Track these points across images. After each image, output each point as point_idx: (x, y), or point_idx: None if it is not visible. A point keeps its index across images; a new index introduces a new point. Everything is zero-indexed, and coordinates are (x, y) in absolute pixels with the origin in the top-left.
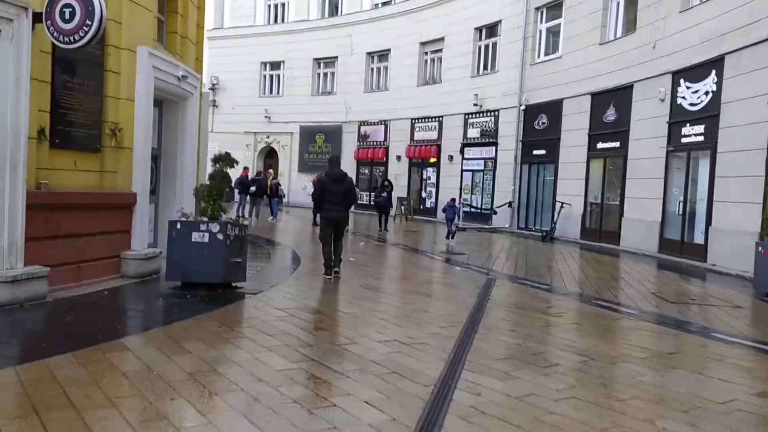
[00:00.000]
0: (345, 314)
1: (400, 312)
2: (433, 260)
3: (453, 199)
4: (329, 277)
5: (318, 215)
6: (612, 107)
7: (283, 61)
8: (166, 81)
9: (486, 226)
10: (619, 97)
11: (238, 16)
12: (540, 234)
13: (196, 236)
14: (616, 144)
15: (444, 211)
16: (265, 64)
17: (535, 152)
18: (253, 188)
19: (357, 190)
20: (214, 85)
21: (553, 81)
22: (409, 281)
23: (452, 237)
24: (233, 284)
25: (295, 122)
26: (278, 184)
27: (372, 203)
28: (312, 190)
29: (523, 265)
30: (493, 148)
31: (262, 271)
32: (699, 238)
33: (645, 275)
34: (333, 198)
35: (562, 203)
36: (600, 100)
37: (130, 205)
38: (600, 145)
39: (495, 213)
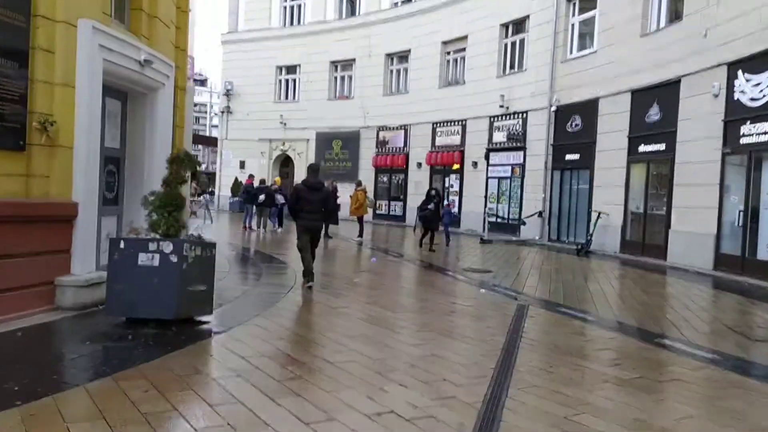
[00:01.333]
0: (329, 365)
1: (405, 360)
2: (454, 280)
3: (448, 204)
4: (311, 283)
5: (329, 227)
6: (656, 106)
7: (299, 65)
8: (124, 66)
9: (514, 238)
10: (664, 94)
11: (253, 18)
12: (575, 247)
13: (143, 258)
14: (661, 146)
15: (444, 216)
16: (280, 68)
17: (567, 157)
18: (262, 197)
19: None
20: (228, 90)
21: (587, 79)
22: (422, 311)
23: (447, 241)
24: (197, 318)
25: (312, 128)
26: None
27: (418, 216)
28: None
29: (559, 286)
30: (521, 153)
31: (245, 297)
32: (765, 254)
33: (707, 300)
34: (309, 206)
35: (599, 213)
36: (641, 98)
37: (68, 217)
38: (642, 148)
39: (524, 224)
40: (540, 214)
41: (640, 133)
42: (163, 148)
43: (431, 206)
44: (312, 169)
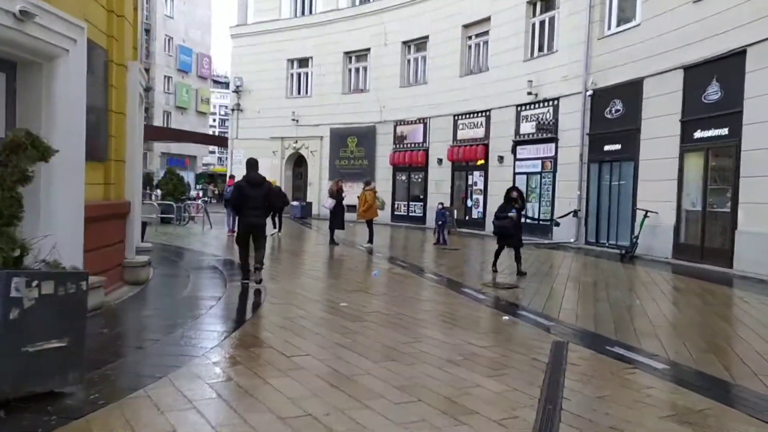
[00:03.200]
0: None
1: None
2: (470, 302)
3: (442, 203)
4: (247, 281)
5: (334, 232)
6: (715, 83)
7: (311, 57)
8: None
9: (545, 241)
10: (726, 68)
11: (263, 9)
12: (617, 252)
13: None
14: (724, 131)
15: (438, 216)
16: (291, 61)
17: (606, 148)
18: None
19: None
20: (237, 87)
21: (629, 56)
22: (414, 358)
23: (444, 243)
24: (56, 390)
25: (325, 125)
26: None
27: (495, 228)
28: (328, 202)
29: (605, 307)
30: (553, 145)
31: (166, 339)
32: None
33: None
34: (251, 203)
35: (646, 211)
36: (696, 74)
37: None
38: (699, 134)
39: (557, 224)
40: (575, 213)
41: (697, 116)
42: (68, 137)
43: (512, 213)
44: (250, 164)
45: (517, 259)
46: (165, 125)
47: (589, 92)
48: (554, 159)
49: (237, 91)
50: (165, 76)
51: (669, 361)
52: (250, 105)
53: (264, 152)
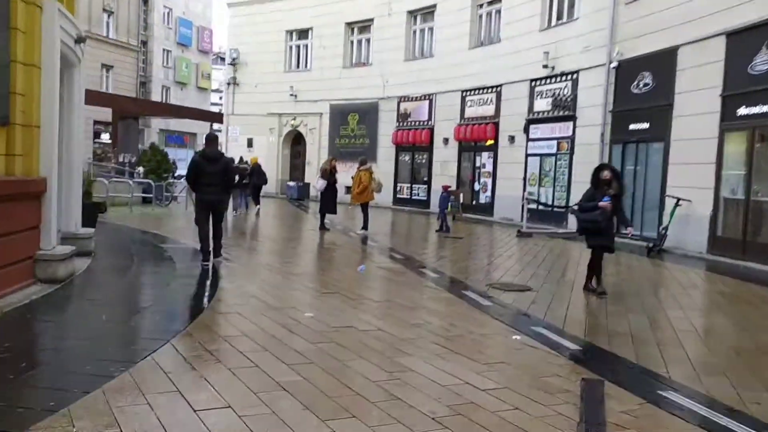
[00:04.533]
0: None
1: None
2: (474, 311)
3: (446, 187)
4: (206, 263)
5: (325, 216)
6: (764, 51)
7: (311, 29)
8: None
9: (560, 231)
10: None
11: None
12: (643, 244)
13: None
14: None
15: (441, 202)
16: (290, 33)
17: (632, 126)
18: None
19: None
20: (234, 59)
21: (660, 22)
22: (392, 414)
23: (447, 230)
24: None
25: (325, 100)
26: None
27: (579, 224)
28: (319, 183)
29: (643, 322)
30: (570, 123)
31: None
32: None
33: None
34: (208, 179)
35: (678, 199)
36: (741, 42)
37: None
38: (743, 111)
39: (573, 212)
40: None
41: (740, 90)
42: None
43: (605, 201)
44: (209, 139)
45: (597, 267)
46: (164, 101)
47: (614, 64)
48: (571, 139)
49: (233, 63)
50: (164, 50)
51: (757, 424)
52: (247, 79)
53: (261, 129)
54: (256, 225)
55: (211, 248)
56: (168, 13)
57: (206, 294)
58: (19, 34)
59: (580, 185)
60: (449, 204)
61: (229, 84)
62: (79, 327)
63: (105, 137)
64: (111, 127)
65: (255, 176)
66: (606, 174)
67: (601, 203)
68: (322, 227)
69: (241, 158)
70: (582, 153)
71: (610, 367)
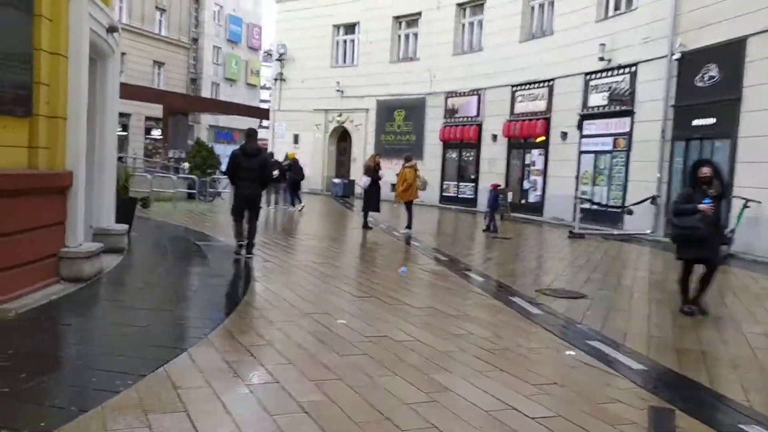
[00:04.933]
0: None
1: None
2: (522, 320)
3: (495, 186)
4: (239, 256)
5: (368, 215)
6: None
7: (358, 23)
8: None
9: (616, 232)
10: None
11: None
12: None
13: None
14: None
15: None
16: (338, 27)
17: (696, 122)
18: (275, 173)
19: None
20: (281, 55)
21: (726, 11)
22: None
23: (495, 230)
24: None
25: (372, 96)
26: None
27: (674, 231)
28: (363, 180)
29: (713, 337)
30: (628, 119)
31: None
32: None
33: None
34: (245, 174)
35: (746, 200)
36: None
37: None
38: None
39: (629, 213)
40: (653, 199)
41: None
42: None
43: (706, 203)
44: (248, 135)
45: (706, 282)
46: (213, 97)
47: (676, 56)
48: (629, 135)
49: (280, 59)
50: (214, 47)
51: None
52: (294, 75)
53: (307, 125)
54: (297, 222)
55: (244, 242)
56: (218, 11)
57: (235, 296)
58: (44, 21)
59: (638, 184)
60: (498, 203)
61: (275, 80)
62: (92, 332)
63: (156, 133)
64: (161, 123)
65: (292, 171)
66: (705, 171)
67: (700, 206)
68: (365, 226)
69: (272, 154)
70: (640, 150)
71: (680, 392)
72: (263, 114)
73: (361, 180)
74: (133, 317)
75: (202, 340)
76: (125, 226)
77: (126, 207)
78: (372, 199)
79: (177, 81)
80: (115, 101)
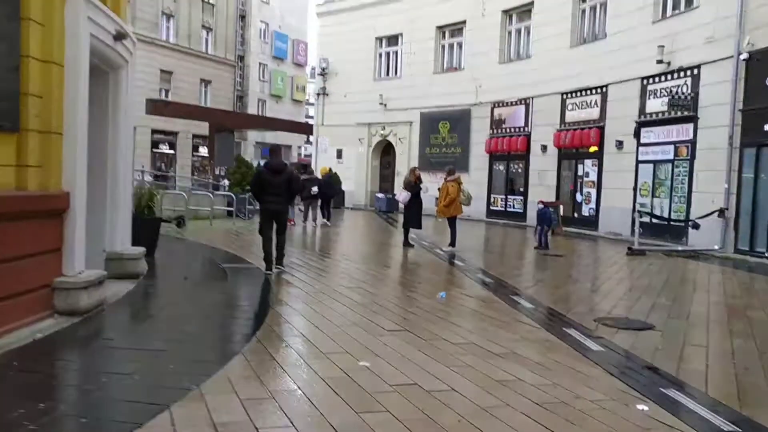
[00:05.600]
0: None
1: None
2: (580, 362)
3: (544, 203)
4: (269, 272)
5: (409, 231)
6: None
7: (401, 34)
8: None
9: (679, 248)
10: None
11: None
12: None
13: None
14: None
15: (540, 217)
16: (380, 39)
17: None
18: (315, 189)
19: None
20: (323, 69)
21: None
22: None
23: (546, 247)
24: None
25: (415, 108)
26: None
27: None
28: (403, 195)
29: None
30: (690, 125)
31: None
32: None
33: None
34: (272, 189)
35: None
36: None
37: None
38: None
39: (695, 227)
40: (721, 212)
41: None
42: None
43: None
44: (272, 151)
45: None
46: (259, 114)
47: (744, 56)
48: (692, 143)
49: (323, 74)
50: (260, 64)
51: None
52: (337, 89)
53: (350, 140)
54: (334, 241)
55: (274, 257)
56: (264, 28)
57: (246, 333)
58: (34, 25)
59: (703, 196)
60: (550, 218)
61: (318, 94)
62: (62, 384)
63: (204, 150)
64: (207, 140)
65: (325, 187)
66: None
67: None
68: (406, 243)
69: (304, 167)
70: (705, 158)
71: None
72: (307, 129)
73: (400, 195)
74: (119, 362)
75: (192, 393)
76: (141, 249)
77: (148, 228)
78: (413, 215)
79: (223, 98)
80: (128, 115)
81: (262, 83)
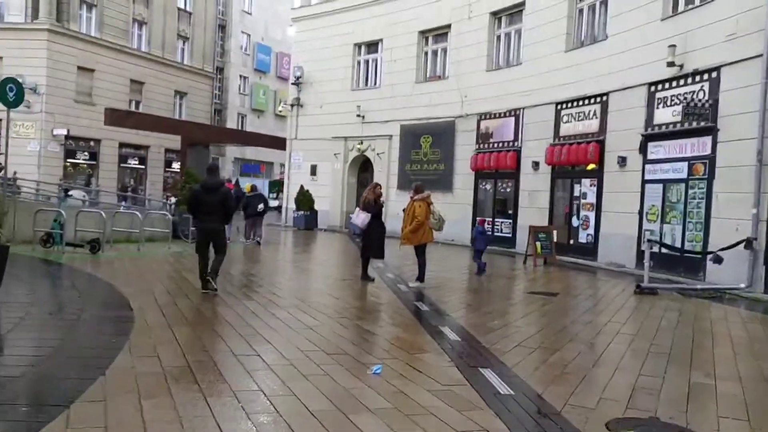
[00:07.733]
0: None
1: None
2: None
3: (482, 222)
4: (206, 291)
5: (368, 262)
6: None
7: (381, 40)
8: None
9: (699, 286)
10: None
11: None
12: None
13: None
14: None
15: (474, 240)
16: (359, 46)
17: None
18: (261, 206)
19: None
20: (297, 78)
21: None
22: None
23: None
24: None
25: (395, 120)
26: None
27: None
28: (360, 217)
29: None
30: (708, 138)
31: None
32: None
33: None
34: (206, 208)
35: None
36: None
37: None
38: None
39: (717, 261)
40: (748, 243)
41: None
42: None
43: None
44: (209, 169)
45: None
46: (239, 128)
47: None
48: (710, 159)
49: (297, 83)
50: (241, 76)
51: None
52: (312, 99)
53: (325, 155)
54: (277, 268)
55: (209, 279)
56: (246, 40)
57: None
58: None
59: (725, 222)
60: (485, 244)
61: (291, 105)
62: None
63: (177, 166)
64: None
65: (249, 206)
66: None
67: None
68: (365, 277)
69: (254, 186)
70: (727, 177)
71: None
72: (278, 144)
73: (357, 218)
74: None
75: None
76: None
77: None
78: (373, 241)
79: (200, 112)
80: None
81: (242, 97)
